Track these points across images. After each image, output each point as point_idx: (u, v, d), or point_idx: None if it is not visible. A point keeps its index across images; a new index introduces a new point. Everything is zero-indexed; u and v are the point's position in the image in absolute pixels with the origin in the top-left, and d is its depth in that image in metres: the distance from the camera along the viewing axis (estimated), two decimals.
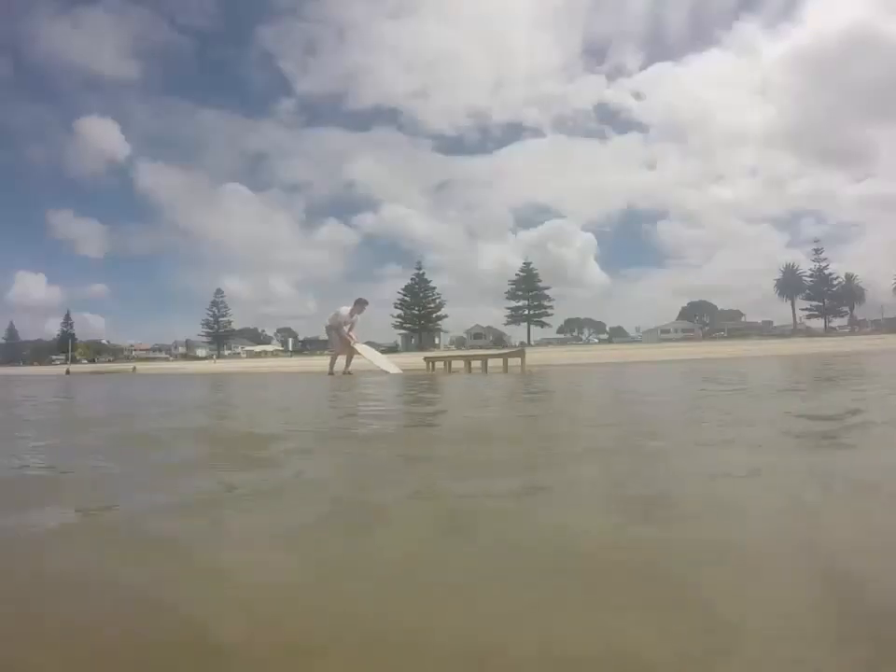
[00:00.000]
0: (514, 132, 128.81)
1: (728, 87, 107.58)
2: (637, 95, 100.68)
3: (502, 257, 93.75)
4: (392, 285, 78.02)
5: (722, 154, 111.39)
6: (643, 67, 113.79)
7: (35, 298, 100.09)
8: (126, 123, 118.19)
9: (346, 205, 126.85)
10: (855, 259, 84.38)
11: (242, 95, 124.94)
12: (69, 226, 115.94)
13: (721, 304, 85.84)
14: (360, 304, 11.28)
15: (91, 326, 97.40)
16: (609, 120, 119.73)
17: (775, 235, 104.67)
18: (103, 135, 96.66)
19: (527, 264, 74.30)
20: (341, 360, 11.15)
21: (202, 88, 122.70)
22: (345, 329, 10.89)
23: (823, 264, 69.32)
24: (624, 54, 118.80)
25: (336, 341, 11.13)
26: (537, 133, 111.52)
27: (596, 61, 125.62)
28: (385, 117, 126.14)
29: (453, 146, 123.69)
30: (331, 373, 10.97)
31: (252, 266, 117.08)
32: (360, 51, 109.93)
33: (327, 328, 11.38)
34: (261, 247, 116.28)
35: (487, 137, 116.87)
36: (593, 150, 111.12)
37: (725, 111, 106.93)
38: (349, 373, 10.72)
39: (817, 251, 70.11)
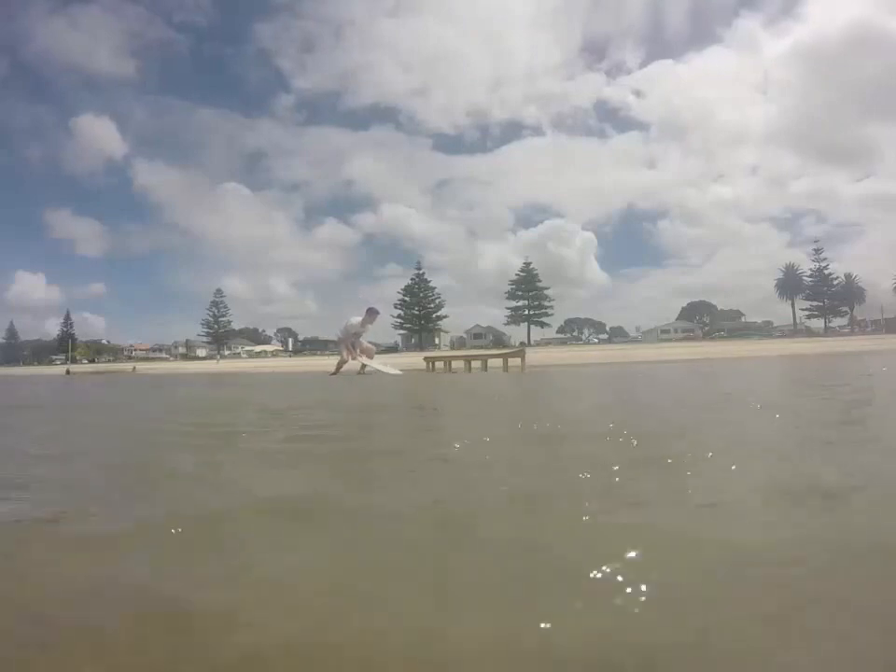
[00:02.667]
0: (514, 130, 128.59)
1: (729, 84, 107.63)
2: (637, 93, 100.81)
3: (502, 256, 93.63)
4: (392, 284, 78.12)
5: (723, 153, 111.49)
6: (643, 65, 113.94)
7: (35, 297, 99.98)
8: (123, 122, 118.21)
9: (345, 204, 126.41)
10: (855, 258, 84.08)
11: (239, 93, 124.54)
12: (67, 225, 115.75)
13: (721, 304, 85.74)
14: (372, 315, 11.13)
15: (91, 326, 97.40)
16: (609, 119, 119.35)
17: (775, 235, 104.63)
18: (100, 134, 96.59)
19: (527, 264, 74.19)
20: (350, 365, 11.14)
21: (198, 86, 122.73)
22: (350, 341, 10.87)
23: (823, 264, 69.26)
24: (624, 52, 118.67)
25: (346, 351, 11.12)
26: (536, 131, 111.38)
27: (596, 58, 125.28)
28: (384, 115, 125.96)
29: (452, 144, 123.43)
30: (334, 374, 11.03)
31: (252, 266, 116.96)
32: (358, 49, 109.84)
33: (338, 340, 11.39)
34: (261, 247, 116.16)
35: (487, 136, 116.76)
36: (593, 149, 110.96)
37: (726, 109, 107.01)
38: (363, 372, 10.71)
39: (817, 251, 70.06)
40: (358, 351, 11.00)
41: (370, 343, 11.62)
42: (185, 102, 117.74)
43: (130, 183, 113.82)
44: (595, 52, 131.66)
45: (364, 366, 10.89)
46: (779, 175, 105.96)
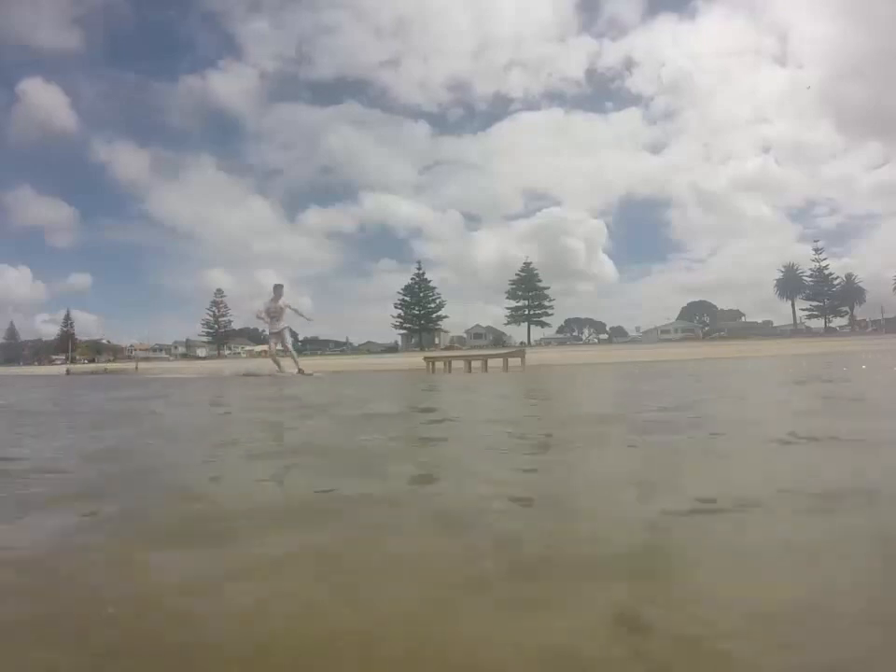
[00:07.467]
0: (502, 104, 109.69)
1: (742, 47, 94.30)
2: (637, 63, 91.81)
3: (501, 247, 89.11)
4: (385, 278, 76.06)
5: (731, 131, 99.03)
6: (643, 22, 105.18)
7: (21, 293, 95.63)
8: (76, 98, 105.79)
9: (327, 196, 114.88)
10: (868, 253, 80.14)
11: (190, 61, 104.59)
12: (34, 211, 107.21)
13: (723, 303, 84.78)
14: (277, 290, 11.06)
15: (79, 322, 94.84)
16: (609, 95, 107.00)
17: (787, 224, 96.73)
18: (52, 111, 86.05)
19: (527, 264, 74.02)
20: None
21: (147, 55, 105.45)
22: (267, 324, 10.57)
23: (824, 263, 69.12)
24: (623, 7, 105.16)
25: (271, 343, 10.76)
26: (530, 105, 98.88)
27: (592, 17, 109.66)
28: (354, 88, 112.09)
29: (440, 122, 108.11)
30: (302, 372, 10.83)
31: (236, 260, 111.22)
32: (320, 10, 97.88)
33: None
34: (243, 238, 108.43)
35: (474, 115, 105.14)
36: (590, 125, 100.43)
37: (738, 76, 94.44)
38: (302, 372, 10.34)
39: (817, 251, 69.89)
40: (274, 343, 10.59)
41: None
42: (135, 75, 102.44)
43: (99, 166, 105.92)
44: (591, 10, 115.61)
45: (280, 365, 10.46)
46: (794, 157, 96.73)
